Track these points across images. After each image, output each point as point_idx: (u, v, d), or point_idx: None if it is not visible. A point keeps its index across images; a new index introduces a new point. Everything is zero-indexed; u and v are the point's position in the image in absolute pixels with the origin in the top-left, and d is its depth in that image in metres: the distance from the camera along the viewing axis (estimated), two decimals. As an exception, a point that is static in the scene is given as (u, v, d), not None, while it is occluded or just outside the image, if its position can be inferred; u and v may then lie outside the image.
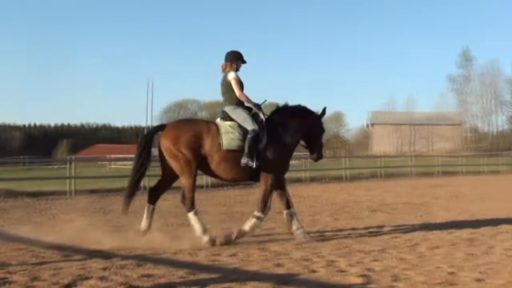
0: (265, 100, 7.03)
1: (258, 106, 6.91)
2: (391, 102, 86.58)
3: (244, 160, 6.56)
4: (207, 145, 6.60)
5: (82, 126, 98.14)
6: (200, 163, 6.60)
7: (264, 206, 6.77)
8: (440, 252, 6.05)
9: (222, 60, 7.08)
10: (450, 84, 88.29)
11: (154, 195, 6.88)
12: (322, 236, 7.25)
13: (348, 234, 7.56)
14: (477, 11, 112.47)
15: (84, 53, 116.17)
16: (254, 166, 6.58)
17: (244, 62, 7.14)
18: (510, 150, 74.82)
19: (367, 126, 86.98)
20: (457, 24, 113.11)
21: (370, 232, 7.69)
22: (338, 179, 24.48)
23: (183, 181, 6.61)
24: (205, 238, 6.50)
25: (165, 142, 6.63)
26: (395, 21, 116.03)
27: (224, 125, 6.75)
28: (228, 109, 6.85)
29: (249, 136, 6.62)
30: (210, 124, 6.85)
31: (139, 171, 6.75)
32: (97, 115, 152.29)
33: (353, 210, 11.00)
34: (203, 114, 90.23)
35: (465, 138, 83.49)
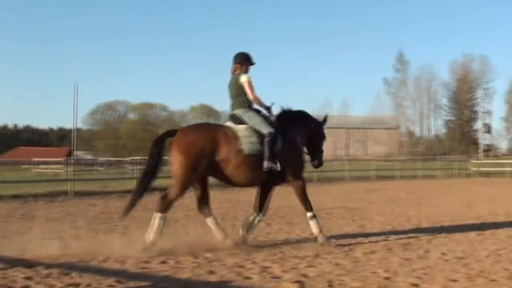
0: (273, 103, 7.10)
1: (269, 108, 7.06)
2: (326, 105, 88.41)
3: (267, 164, 6.67)
4: (224, 151, 6.58)
5: (4, 127, 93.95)
6: (209, 169, 6.55)
7: (309, 204, 7.06)
8: (376, 257, 6.22)
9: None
10: (386, 87, 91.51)
11: (203, 206, 6.85)
12: (255, 242, 7.30)
13: (283, 239, 7.65)
14: (413, 14, 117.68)
15: (7, 54, 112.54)
16: (279, 168, 6.73)
17: (252, 63, 7.23)
18: (445, 155, 78.67)
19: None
20: (394, 26, 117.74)
21: (305, 237, 7.80)
22: (273, 183, 24.82)
23: (175, 186, 6.46)
24: (142, 246, 6.26)
25: (176, 149, 6.50)
26: (332, 22, 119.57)
27: (240, 129, 6.80)
28: (240, 112, 6.93)
29: (267, 139, 6.73)
30: (224, 128, 6.81)
31: (148, 176, 6.59)
32: (20, 117, 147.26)
33: (288, 215, 11.13)
34: (131, 116, 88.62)
35: (400, 142, 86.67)
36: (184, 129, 6.80)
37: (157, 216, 6.42)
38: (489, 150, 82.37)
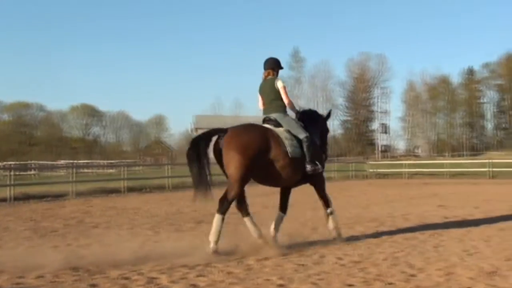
0: (300, 108, 8.21)
1: (298, 113, 8.13)
2: (217, 105, 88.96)
3: (311, 167, 7.61)
4: (274, 153, 7.31)
5: None
6: (258, 169, 7.21)
7: (329, 201, 8.20)
8: (270, 264, 6.38)
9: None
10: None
11: (242, 205, 7.60)
12: (142, 251, 7.23)
13: (171, 248, 7.60)
14: (310, 10, 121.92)
15: None
16: (321, 170, 7.76)
17: (281, 68, 8.22)
18: (342, 156, 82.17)
19: (191, 131, 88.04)
20: (290, 22, 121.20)
21: (196, 245, 7.81)
22: (160, 188, 24.64)
23: (232, 186, 7.16)
24: (212, 248, 6.97)
25: (230, 147, 7.07)
26: (224, 18, 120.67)
27: (282, 133, 7.60)
28: (278, 117, 7.82)
29: (306, 143, 7.64)
30: (271, 130, 7.54)
31: (202, 169, 7.15)
32: None
33: (177, 222, 11.14)
34: (6, 117, 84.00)
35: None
36: (237, 130, 7.33)
37: (217, 217, 7.13)
38: (387, 150, 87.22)
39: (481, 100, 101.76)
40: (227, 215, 7.24)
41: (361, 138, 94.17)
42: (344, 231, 8.79)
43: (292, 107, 8.07)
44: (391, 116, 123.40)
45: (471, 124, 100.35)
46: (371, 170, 41.75)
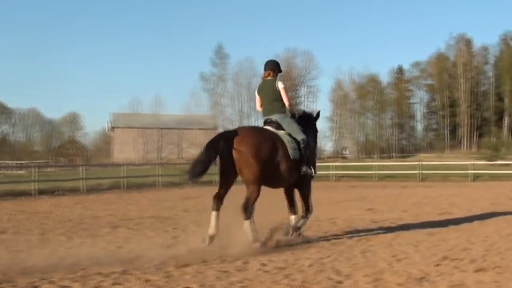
0: (299, 111, 8.96)
1: (295, 115, 8.78)
2: (136, 103, 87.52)
3: (305, 169, 8.31)
4: (279, 156, 8.02)
5: None
6: (266, 172, 7.84)
7: (311, 209, 8.85)
8: (190, 271, 6.39)
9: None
10: (203, 83, 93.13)
11: (219, 202, 8.10)
12: (53, 258, 7.10)
13: (85, 254, 7.49)
14: (235, 5, 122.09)
15: None
16: (314, 174, 8.51)
17: (281, 71, 8.86)
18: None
19: (108, 130, 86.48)
20: (214, 17, 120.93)
21: (111, 251, 7.78)
22: (74, 191, 24.27)
23: (252, 189, 7.84)
24: (257, 245, 7.71)
25: (243, 149, 7.69)
26: (144, 11, 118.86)
27: (284, 136, 8.27)
28: (278, 118, 8.46)
29: (303, 145, 8.29)
30: (276, 134, 8.22)
31: (205, 164, 7.78)
32: None
33: (91, 227, 11.00)
34: None
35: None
36: (248, 132, 8.02)
37: (246, 223, 7.79)
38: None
39: (411, 100, 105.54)
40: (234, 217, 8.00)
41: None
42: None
43: (292, 108, 8.78)
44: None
45: (401, 125, 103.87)
46: (298, 172, 42.39)
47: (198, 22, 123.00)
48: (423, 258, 7.33)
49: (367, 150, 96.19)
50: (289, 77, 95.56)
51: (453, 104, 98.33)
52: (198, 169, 7.80)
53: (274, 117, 8.50)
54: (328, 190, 26.29)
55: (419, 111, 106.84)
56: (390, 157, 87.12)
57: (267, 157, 7.84)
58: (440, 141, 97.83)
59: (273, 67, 8.83)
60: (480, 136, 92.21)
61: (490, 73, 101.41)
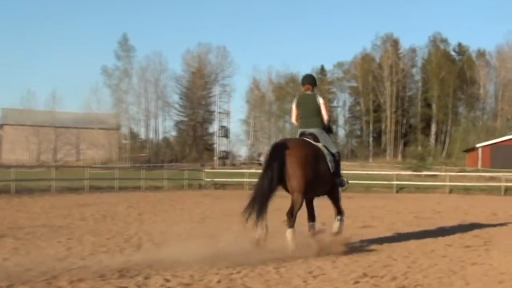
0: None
1: (330, 129, 10.35)
2: (29, 98, 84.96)
3: (339, 181, 9.97)
4: (322, 167, 9.50)
5: None
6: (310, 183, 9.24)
7: (342, 211, 10.42)
8: (85, 286, 6.33)
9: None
10: (105, 78, 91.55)
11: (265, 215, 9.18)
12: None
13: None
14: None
15: None
16: (346, 185, 10.20)
17: (316, 85, 10.53)
18: (175, 162, 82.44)
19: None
20: (116, 6, 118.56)
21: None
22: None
23: (298, 198, 9.22)
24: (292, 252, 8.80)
25: (294, 160, 9.04)
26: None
27: (323, 149, 9.71)
28: (316, 132, 9.91)
29: (338, 158, 9.92)
30: (318, 147, 9.67)
31: (271, 190, 9.14)
32: None
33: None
34: None
35: (121, 145, 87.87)
36: (297, 144, 9.43)
37: (289, 231, 9.14)
38: (226, 157, 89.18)
39: (333, 104, 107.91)
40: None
41: (198, 142, 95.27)
42: (173, 249, 8.90)
43: (328, 123, 10.21)
44: (233, 118, 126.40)
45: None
46: (207, 179, 42.45)
47: (100, 9, 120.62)
48: (340, 275, 7.48)
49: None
50: (201, 74, 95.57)
51: (378, 109, 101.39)
52: (266, 191, 9.09)
53: (313, 130, 9.94)
54: (241, 199, 26.37)
55: (341, 115, 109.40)
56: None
57: (313, 169, 9.24)
58: (364, 148, 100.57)
59: (311, 81, 10.41)
60: (406, 144, 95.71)
61: (418, 77, 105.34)
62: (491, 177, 46.79)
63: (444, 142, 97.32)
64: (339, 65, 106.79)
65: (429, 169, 52.71)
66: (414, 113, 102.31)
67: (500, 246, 10.42)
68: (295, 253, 8.75)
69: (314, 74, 10.83)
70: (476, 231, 13.15)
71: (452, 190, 39.61)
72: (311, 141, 9.75)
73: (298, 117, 10.20)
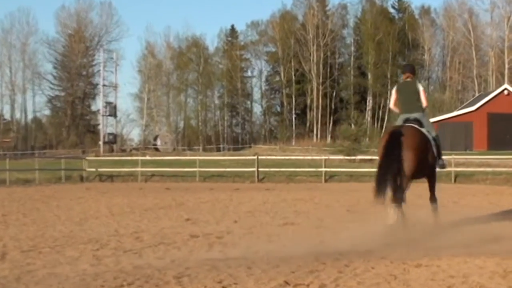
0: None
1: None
2: None
3: (441, 162, 12.83)
4: (430, 153, 12.28)
5: None
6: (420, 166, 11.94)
7: (436, 198, 13.05)
8: None
9: None
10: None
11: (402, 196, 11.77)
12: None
13: None
14: None
15: None
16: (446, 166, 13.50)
17: (415, 73, 13.58)
18: (50, 148, 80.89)
19: None
20: None
21: None
22: None
23: (407, 181, 11.76)
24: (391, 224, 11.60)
25: (410, 147, 11.66)
26: None
27: (428, 134, 12.32)
28: (419, 116, 12.55)
29: (438, 141, 12.61)
30: (425, 133, 12.28)
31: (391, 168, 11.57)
32: None
33: None
34: None
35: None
36: (412, 132, 12.00)
37: (392, 207, 11.53)
38: (114, 142, 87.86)
39: (247, 73, 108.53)
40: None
41: (78, 123, 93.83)
42: (51, 257, 8.76)
43: (427, 108, 12.97)
44: (122, 93, 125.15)
45: (233, 106, 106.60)
46: (90, 170, 41.88)
47: None
48: (257, 283, 7.52)
49: (188, 139, 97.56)
50: (80, 37, 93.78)
51: (301, 79, 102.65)
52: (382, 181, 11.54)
53: (416, 115, 12.53)
54: (134, 193, 26.24)
55: (257, 88, 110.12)
56: (218, 150, 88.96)
57: (424, 154, 12.03)
58: (285, 128, 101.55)
59: (412, 70, 13.38)
60: (336, 122, 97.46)
61: (350, 40, 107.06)
62: (439, 161, 48.16)
63: (383, 119, 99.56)
64: (254, 25, 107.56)
65: (365, 153, 53.56)
66: (346, 84, 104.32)
67: (450, 243, 10.69)
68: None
69: (411, 64, 13.16)
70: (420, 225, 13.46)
71: (392, 178, 40.41)
72: (419, 128, 12.28)
73: (398, 103, 13.02)
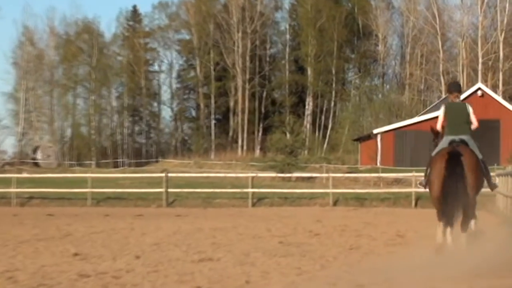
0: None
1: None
2: None
3: (494, 184, 15.69)
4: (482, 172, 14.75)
5: None
6: None
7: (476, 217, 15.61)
8: None
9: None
10: None
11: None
12: None
13: None
14: None
15: None
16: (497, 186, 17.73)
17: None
18: None
19: None
20: None
21: None
22: None
23: (474, 203, 14.52)
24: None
25: (471, 169, 13.97)
26: None
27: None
28: (467, 139, 14.61)
29: (485, 164, 14.77)
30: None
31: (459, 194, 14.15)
32: None
33: None
34: None
35: None
36: (468, 150, 14.27)
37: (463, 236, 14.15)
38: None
39: (154, 67, 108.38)
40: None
41: None
42: None
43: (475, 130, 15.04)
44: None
45: (135, 109, 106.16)
46: None
47: None
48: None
49: (78, 152, 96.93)
50: None
51: (223, 75, 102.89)
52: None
53: (463, 137, 14.56)
54: (6, 221, 25.99)
55: (167, 86, 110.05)
56: (116, 165, 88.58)
57: (481, 174, 14.47)
58: (201, 138, 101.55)
59: (460, 89, 15.72)
60: (267, 130, 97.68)
61: (285, 26, 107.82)
62: (396, 180, 48.76)
63: (326, 127, 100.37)
64: (162, 6, 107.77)
65: (303, 169, 54.00)
66: (279, 82, 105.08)
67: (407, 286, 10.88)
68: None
69: (457, 81, 15.17)
70: (372, 264, 13.65)
71: (338, 200, 40.77)
72: (472, 149, 14.50)
73: (445, 124, 15.03)
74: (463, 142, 14.68)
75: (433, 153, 15.16)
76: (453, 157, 13.98)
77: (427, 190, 15.41)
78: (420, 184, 16.63)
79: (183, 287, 10.86)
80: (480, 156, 14.72)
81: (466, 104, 15.41)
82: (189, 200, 39.09)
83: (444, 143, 14.94)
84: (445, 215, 14.39)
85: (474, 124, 15.08)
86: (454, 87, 15.80)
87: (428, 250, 14.58)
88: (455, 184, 13.93)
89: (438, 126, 15.52)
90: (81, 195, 40.25)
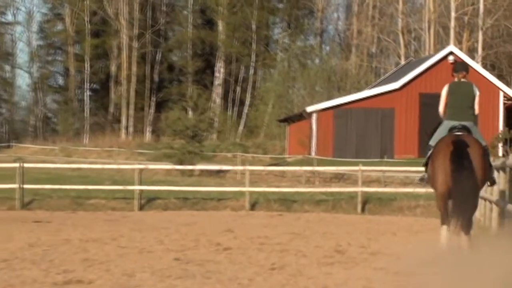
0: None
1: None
2: None
3: (493, 175, 18.23)
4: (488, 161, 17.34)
5: None
6: None
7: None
8: None
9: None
10: None
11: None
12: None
13: None
14: None
15: None
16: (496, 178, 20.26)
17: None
18: None
19: None
20: None
21: None
22: None
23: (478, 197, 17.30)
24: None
25: (477, 161, 15.95)
26: None
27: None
28: (470, 125, 16.52)
29: (488, 152, 16.87)
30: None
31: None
32: None
33: None
34: None
35: None
36: (473, 139, 16.11)
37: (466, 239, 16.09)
38: None
39: (7, 18, 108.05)
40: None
41: None
42: None
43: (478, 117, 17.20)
44: None
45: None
46: None
47: None
48: None
49: None
50: None
51: (103, 30, 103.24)
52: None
53: (465, 123, 16.24)
54: None
55: (24, 43, 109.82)
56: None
57: (488, 166, 16.57)
58: (71, 116, 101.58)
59: (467, 69, 17.28)
60: (161, 106, 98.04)
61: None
62: (337, 175, 49.28)
63: (242, 103, 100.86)
64: None
65: (209, 160, 54.21)
66: (179, 41, 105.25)
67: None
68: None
69: (463, 62, 16.23)
70: None
71: (257, 202, 41.03)
72: (475, 138, 16.29)
73: (447, 107, 16.82)
74: (465, 129, 16.25)
75: (431, 142, 16.50)
76: (459, 148, 15.43)
77: (430, 189, 17.26)
78: (421, 180, 17.92)
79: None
80: (484, 143, 16.48)
81: (473, 85, 16.92)
82: (53, 201, 39.04)
83: (443, 129, 16.51)
84: (452, 216, 15.69)
85: (477, 109, 16.83)
86: (461, 67, 17.40)
87: (379, 271, 14.76)
88: (463, 179, 15.27)
89: (440, 109, 17.14)
90: None
